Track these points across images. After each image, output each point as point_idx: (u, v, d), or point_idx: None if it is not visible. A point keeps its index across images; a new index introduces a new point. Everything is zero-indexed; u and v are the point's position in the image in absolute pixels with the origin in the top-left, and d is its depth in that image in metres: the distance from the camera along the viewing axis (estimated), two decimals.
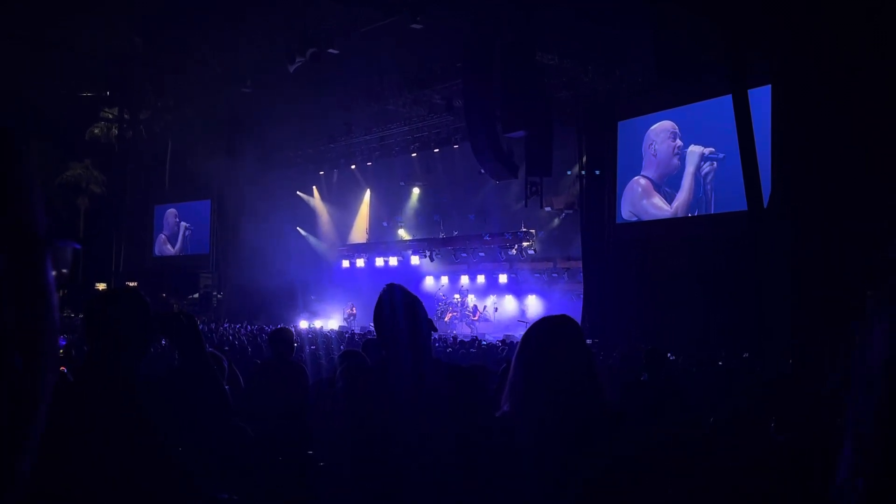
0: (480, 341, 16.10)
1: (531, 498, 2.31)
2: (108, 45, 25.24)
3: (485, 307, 26.06)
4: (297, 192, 30.47)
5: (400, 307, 2.64)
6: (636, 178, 18.69)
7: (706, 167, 17.12)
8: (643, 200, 18.56)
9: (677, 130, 17.90)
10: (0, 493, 0.54)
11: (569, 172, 21.05)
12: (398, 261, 27.05)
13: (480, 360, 11.22)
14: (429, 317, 2.71)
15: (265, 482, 4.07)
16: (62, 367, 2.69)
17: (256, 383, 5.86)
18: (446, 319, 25.62)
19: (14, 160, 0.58)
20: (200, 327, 2.81)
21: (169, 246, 34.31)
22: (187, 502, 2.57)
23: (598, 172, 19.52)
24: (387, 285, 2.75)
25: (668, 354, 8.46)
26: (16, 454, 0.56)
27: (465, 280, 26.90)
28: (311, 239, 30.76)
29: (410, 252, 26.99)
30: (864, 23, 13.07)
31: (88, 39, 24.79)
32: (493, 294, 26.13)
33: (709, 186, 17.14)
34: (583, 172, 20.06)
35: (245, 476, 4.03)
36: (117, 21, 23.63)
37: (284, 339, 5.95)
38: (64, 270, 0.64)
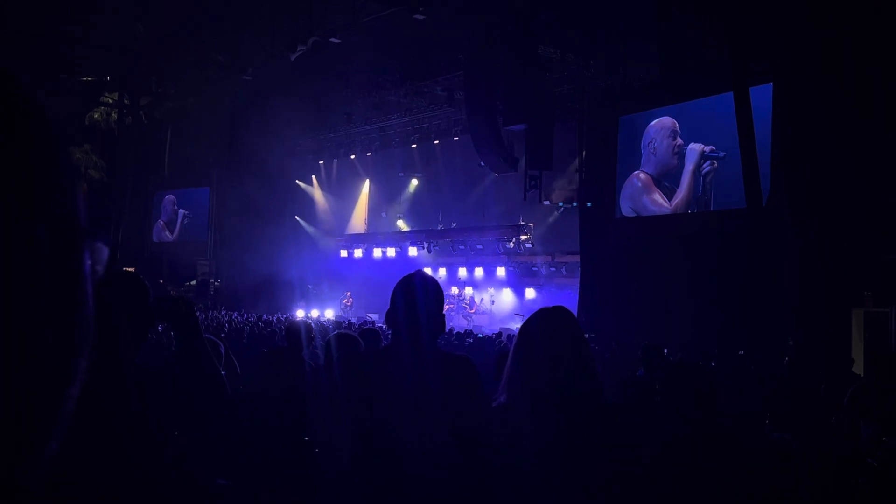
0: (476, 334, 16.11)
1: (528, 488, 2.32)
2: (109, 32, 25.14)
3: (482, 300, 26.08)
4: (297, 181, 30.44)
5: (400, 296, 2.65)
6: (636, 172, 18.67)
7: (706, 166, 17.10)
8: (643, 196, 18.54)
9: (677, 128, 17.85)
10: (28, 473, 0.55)
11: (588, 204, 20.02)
12: (396, 252, 27.03)
13: (477, 352, 11.22)
14: (441, 312, 2.72)
15: (262, 469, 4.08)
16: None
17: (258, 370, 5.88)
18: (443, 311, 25.56)
19: (59, 145, 0.59)
20: (197, 314, 2.81)
21: (167, 232, 34.30)
22: (185, 489, 2.57)
23: (589, 205, 19.45)
24: (414, 272, 2.77)
25: (665, 351, 8.48)
26: (47, 434, 0.57)
27: (462, 272, 26.87)
28: (310, 228, 30.74)
29: (409, 243, 26.96)
30: (863, 22, 13.07)
31: (90, 27, 24.69)
32: (491, 287, 26.12)
33: (709, 185, 17.12)
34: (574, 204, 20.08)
35: (242, 463, 4.04)
36: (119, 9, 23.53)
37: (296, 333, 5.94)
38: (98, 267, 0.65)
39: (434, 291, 2.70)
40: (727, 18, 13.82)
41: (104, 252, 0.64)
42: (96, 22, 24.30)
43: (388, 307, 2.70)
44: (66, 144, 0.61)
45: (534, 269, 24.73)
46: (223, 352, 5.27)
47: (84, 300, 0.59)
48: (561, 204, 22.66)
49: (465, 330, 17.20)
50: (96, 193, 34.09)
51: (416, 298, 2.65)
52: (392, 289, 2.71)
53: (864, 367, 11.26)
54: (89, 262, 0.61)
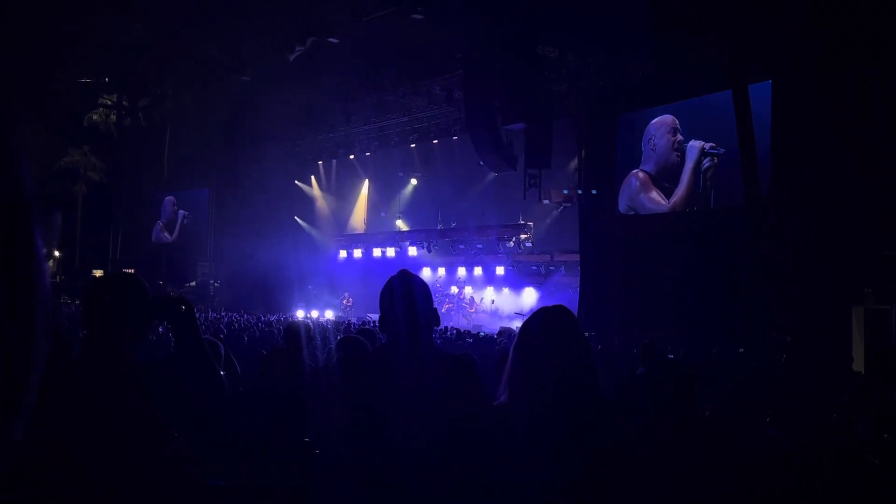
0: (476, 333, 16.09)
1: (527, 487, 2.32)
2: (108, 32, 25.13)
3: (482, 299, 26.07)
4: (296, 182, 30.41)
5: (397, 294, 2.65)
6: (634, 171, 18.66)
7: (706, 162, 17.09)
8: (641, 195, 18.54)
9: (677, 125, 17.85)
10: None
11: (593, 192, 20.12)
12: (396, 251, 27.02)
13: (477, 351, 11.20)
14: (433, 307, 2.71)
15: (262, 469, 4.08)
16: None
17: (259, 371, 5.88)
18: (443, 311, 25.54)
19: (2, 122, 0.57)
20: (197, 315, 2.81)
21: (166, 233, 34.28)
22: (182, 489, 2.57)
23: (594, 192, 19.47)
24: (397, 272, 2.77)
25: (664, 349, 8.50)
26: (8, 420, 0.55)
27: (462, 272, 26.86)
28: (309, 228, 30.72)
29: (408, 243, 26.94)
30: (862, 20, 13.08)
31: (88, 27, 24.68)
32: (491, 286, 26.11)
33: (708, 182, 17.11)
34: (579, 192, 20.13)
35: (242, 463, 4.04)
36: (118, 9, 23.51)
37: (295, 333, 5.92)
38: (52, 241, 0.63)
39: (422, 287, 2.70)
40: (727, 17, 13.83)
41: (56, 219, 0.62)
42: (95, 22, 24.29)
43: (381, 308, 2.70)
44: (7, 119, 0.60)
45: (533, 268, 24.71)
46: (223, 352, 5.28)
47: (41, 281, 0.57)
48: (564, 205, 22.65)
49: (465, 329, 17.17)
50: (95, 195, 34.09)
51: (413, 296, 2.65)
52: (387, 290, 2.70)
53: (864, 365, 11.26)
54: (41, 243, 0.58)
